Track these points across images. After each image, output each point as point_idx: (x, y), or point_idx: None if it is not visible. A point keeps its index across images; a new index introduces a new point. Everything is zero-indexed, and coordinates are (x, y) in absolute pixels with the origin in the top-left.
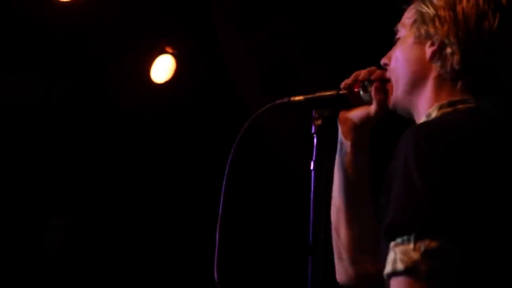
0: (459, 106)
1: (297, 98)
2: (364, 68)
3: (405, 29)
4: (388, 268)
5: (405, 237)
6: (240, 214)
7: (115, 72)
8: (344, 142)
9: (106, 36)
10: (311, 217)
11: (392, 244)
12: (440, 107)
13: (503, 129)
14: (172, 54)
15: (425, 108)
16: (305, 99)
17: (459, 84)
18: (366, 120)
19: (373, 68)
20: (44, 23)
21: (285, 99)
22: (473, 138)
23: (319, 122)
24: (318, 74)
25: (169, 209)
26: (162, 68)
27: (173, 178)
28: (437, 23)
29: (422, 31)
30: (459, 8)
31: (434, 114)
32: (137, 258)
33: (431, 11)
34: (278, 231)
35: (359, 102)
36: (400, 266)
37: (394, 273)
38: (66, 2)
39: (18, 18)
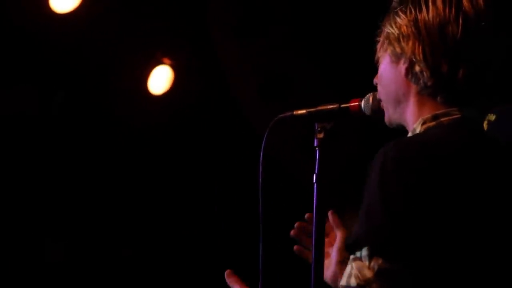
0: (443, 119)
1: (299, 111)
2: (360, 78)
3: (380, 50)
4: (343, 281)
5: (359, 252)
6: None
7: (113, 84)
8: None
9: (103, 48)
10: (314, 229)
11: (351, 257)
12: (424, 122)
13: (486, 145)
14: (169, 65)
15: (412, 122)
16: (308, 112)
17: (439, 97)
18: None
19: None
20: (41, 35)
21: (288, 113)
22: (446, 162)
23: (321, 135)
24: (315, 84)
25: (168, 221)
26: (160, 80)
27: (172, 190)
28: (402, 42)
29: (391, 51)
30: (421, 22)
31: (418, 129)
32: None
33: (394, 30)
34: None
35: (360, 114)
36: (353, 282)
37: (348, 287)
38: (63, 14)
39: (15, 31)
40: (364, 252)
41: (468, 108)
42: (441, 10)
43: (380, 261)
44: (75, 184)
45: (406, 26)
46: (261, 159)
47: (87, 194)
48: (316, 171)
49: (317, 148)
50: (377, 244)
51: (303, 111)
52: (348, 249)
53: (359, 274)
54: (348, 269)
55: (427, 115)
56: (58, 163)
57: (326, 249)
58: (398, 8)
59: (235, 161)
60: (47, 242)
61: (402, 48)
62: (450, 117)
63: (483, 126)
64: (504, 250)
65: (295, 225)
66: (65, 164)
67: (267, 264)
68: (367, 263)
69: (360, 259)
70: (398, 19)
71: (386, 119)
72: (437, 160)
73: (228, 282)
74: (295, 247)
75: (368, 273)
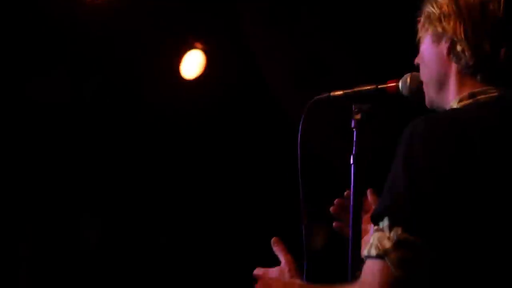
0: (480, 97)
1: (336, 93)
2: (395, 61)
3: (422, 30)
4: (365, 251)
5: (382, 223)
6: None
7: (145, 69)
8: None
9: (134, 34)
10: (351, 208)
11: (374, 228)
12: (460, 100)
13: None
14: (201, 49)
15: (451, 102)
16: (345, 94)
17: (479, 76)
18: None
19: None
20: (72, 22)
21: (325, 95)
22: (475, 140)
23: (358, 116)
24: (348, 68)
25: (199, 205)
26: (192, 64)
27: (203, 174)
28: (443, 22)
29: (432, 31)
30: (462, 1)
31: (454, 107)
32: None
33: (435, 10)
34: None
35: (397, 95)
36: (373, 252)
37: (369, 256)
38: (94, 1)
39: (47, 18)
40: (386, 222)
41: (509, 87)
42: None
43: (399, 231)
44: (109, 171)
45: (447, 5)
46: (298, 140)
47: (122, 180)
48: (353, 152)
49: (354, 129)
50: (398, 215)
51: (340, 92)
52: (372, 220)
53: (379, 244)
54: (371, 239)
55: (464, 93)
56: (91, 150)
57: (364, 226)
58: None
59: (268, 145)
60: (82, 226)
61: (443, 28)
62: (487, 95)
63: None
64: None
65: (334, 202)
66: (98, 151)
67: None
68: (387, 233)
69: (382, 230)
70: (439, 1)
71: (427, 101)
72: (466, 138)
73: (274, 250)
74: (334, 224)
75: (387, 243)
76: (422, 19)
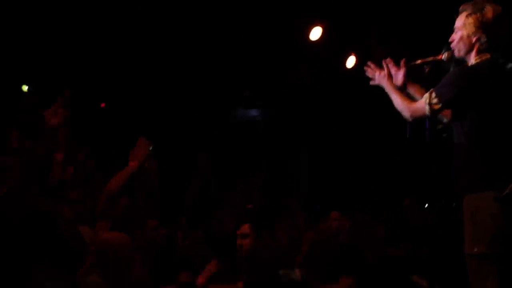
0: (484, 58)
1: (417, 62)
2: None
3: (462, 26)
4: (423, 98)
5: (433, 93)
6: None
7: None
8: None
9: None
10: None
11: (430, 91)
12: (476, 60)
13: (501, 68)
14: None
15: (471, 60)
16: (422, 62)
17: (486, 51)
18: None
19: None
20: None
21: (412, 63)
22: (483, 74)
23: (427, 69)
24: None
25: None
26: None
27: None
28: (474, 28)
29: (467, 32)
30: (483, 19)
31: (473, 62)
32: None
33: (470, 21)
34: None
35: (442, 60)
36: (423, 99)
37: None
38: None
39: None
40: (434, 94)
41: (495, 54)
42: (491, 14)
43: (436, 100)
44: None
45: (477, 19)
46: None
47: None
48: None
49: (428, 75)
50: (439, 93)
51: (419, 61)
52: (431, 90)
53: (428, 99)
54: (427, 94)
55: (477, 56)
56: None
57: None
58: (472, 12)
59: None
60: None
61: (475, 29)
62: (487, 57)
63: (500, 60)
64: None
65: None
66: None
67: None
68: (433, 96)
69: (432, 94)
70: (471, 17)
71: (458, 57)
72: (480, 73)
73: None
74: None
75: (431, 100)
76: (462, 22)
